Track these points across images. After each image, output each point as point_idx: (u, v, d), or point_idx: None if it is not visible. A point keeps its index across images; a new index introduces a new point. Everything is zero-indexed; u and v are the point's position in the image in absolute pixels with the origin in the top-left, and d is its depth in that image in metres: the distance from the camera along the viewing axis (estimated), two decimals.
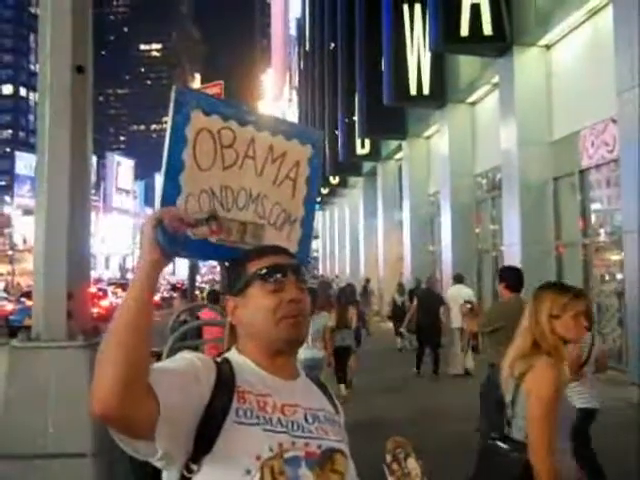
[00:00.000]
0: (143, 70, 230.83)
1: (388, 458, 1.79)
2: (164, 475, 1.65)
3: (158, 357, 4.39)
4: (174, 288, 35.36)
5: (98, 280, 56.07)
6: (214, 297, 9.33)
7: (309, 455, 1.65)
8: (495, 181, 17.46)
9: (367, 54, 23.85)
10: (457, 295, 12.97)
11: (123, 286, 41.13)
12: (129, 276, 76.78)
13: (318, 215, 50.24)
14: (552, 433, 2.82)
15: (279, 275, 1.78)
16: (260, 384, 1.71)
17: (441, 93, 19.11)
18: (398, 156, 25.86)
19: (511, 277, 7.06)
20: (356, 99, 25.45)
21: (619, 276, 11.99)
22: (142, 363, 1.50)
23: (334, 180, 35.45)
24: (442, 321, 13.63)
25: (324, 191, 38.10)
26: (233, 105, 2.23)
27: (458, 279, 14.18)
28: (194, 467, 1.59)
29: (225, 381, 1.65)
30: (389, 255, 26.68)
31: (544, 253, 14.33)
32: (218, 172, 2.14)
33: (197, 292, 30.87)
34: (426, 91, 19.12)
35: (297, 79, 65.31)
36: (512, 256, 14.79)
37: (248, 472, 1.58)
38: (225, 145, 2.14)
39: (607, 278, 12.92)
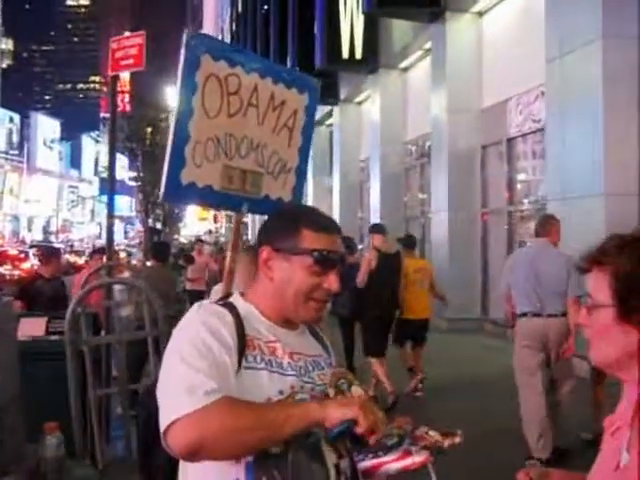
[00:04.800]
0: (70, 27, 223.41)
1: (331, 392, 1.76)
2: None
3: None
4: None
5: (21, 242, 54.60)
6: (161, 250, 8.94)
7: (314, 398, 1.72)
8: (425, 148, 17.53)
9: (300, 17, 23.56)
10: None
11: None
12: (52, 239, 75.00)
13: None
14: None
15: (331, 263, 1.78)
16: (268, 332, 1.76)
17: (373, 58, 19.01)
18: (329, 122, 25.75)
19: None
20: (288, 63, 25.13)
21: None
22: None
23: None
24: None
25: None
26: (240, 50, 2.39)
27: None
28: None
29: (238, 331, 1.69)
30: None
31: (470, 220, 14.49)
32: (224, 119, 2.25)
33: (124, 254, 30.51)
34: (358, 55, 18.99)
35: (229, 41, 64.24)
36: (439, 223, 14.92)
37: None
38: (231, 92, 2.26)
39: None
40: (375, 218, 19.24)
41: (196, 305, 1.77)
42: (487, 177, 14.55)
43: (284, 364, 1.73)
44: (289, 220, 1.83)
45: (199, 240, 18.26)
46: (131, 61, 6.39)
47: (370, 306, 7.99)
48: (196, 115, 2.16)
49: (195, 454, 1.55)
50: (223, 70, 2.23)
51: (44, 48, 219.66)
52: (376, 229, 8.60)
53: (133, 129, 38.32)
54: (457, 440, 1.67)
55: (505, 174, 13.76)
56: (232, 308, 1.76)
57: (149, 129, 39.59)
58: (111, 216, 6.53)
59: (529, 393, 5.83)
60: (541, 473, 1.70)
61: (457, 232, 14.33)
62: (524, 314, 5.89)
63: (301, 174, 2.52)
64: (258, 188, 2.30)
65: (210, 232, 63.82)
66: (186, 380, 1.57)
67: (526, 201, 13.41)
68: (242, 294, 1.84)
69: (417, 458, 1.63)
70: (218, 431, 1.53)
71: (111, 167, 6.80)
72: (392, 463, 1.63)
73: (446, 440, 1.65)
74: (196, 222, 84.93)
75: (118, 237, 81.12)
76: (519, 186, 13.80)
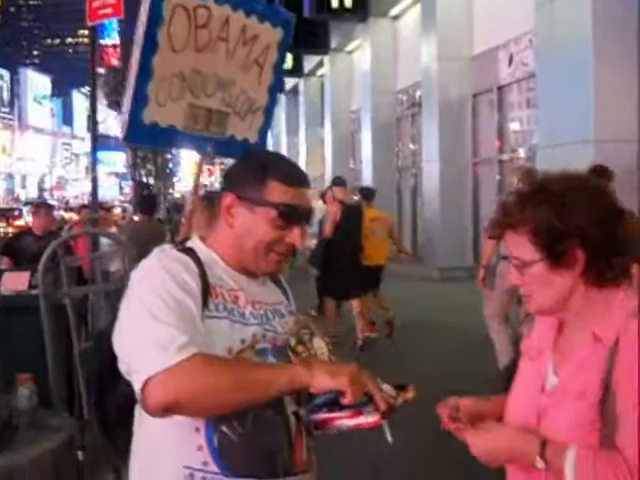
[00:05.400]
0: None
1: (292, 341, 1.74)
2: None
3: None
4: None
5: (15, 200, 54.42)
6: (148, 203, 8.89)
7: (276, 348, 1.71)
8: (415, 98, 17.37)
9: None
10: None
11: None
12: (47, 196, 74.73)
13: None
14: None
15: (296, 218, 1.74)
16: (230, 280, 1.73)
17: (363, 6, 18.67)
18: (320, 72, 25.44)
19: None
20: None
21: None
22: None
23: None
24: None
25: None
26: None
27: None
28: None
29: (201, 279, 1.65)
30: (311, 172, 26.50)
31: (461, 170, 14.44)
32: (191, 54, 2.16)
33: (119, 210, 30.34)
34: (348, 4, 18.65)
35: None
36: (431, 173, 14.86)
37: None
38: (199, 25, 2.15)
39: None
40: (367, 169, 19.16)
41: (157, 250, 1.72)
42: (478, 126, 14.45)
43: (246, 313, 1.69)
44: (256, 168, 1.75)
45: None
46: (109, 10, 6.22)
47: (336, 255, 8.32)
48: (161, 49, 2.07)
49: (170, 412, 1.53)
50: (192, 1, 2.13)
51: (31, 2, 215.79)
52: (338, 182, 8.92)
53: (120, 82, 37.83)
54: (409, 396, 1.65)
55: (496, 123, 13.65)
56: (193, 254, 1.71)
57: None
58: (94, 169, 6.49)
59: (499, 329, 6.51)
60: (457, 403, 1.73)
61: (448, 182, 14.28)
62: (505, 257, 5.93)
63: (269, 114, 2.40)
64: (223, 128, 2.18)
65: (205, 186, 63.58)
66: (156, 335, 1.52)
67: (517, 150, 13.33)
68: (202, 238, 1.78)
69: (370, 418, 1.61)
70: (196, 390, 1.51)
71: (93, 122, 6.75)
72: (344, 420, 1.62)
73: (399, 397, 1.64)
74: (190, 177, 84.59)
75: (114, 193, 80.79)
76: (510, 135, 13.71)
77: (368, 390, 1.59)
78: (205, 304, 1.62)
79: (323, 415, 1.64)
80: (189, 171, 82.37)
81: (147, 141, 2.06)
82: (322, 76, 25.25)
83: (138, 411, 1.67)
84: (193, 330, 1.55)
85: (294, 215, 1.72)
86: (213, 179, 67.07)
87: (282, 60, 2.47)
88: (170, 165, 54.77)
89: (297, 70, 26.80)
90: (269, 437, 1.63)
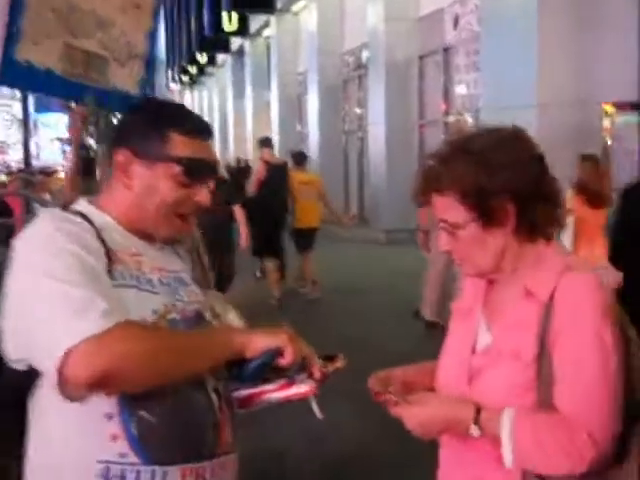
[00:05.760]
0: None
1: (208, 315, 1.60)
2: None
3: None
4: None
5: None
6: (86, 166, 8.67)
7: (186, 319, 1.53)
8: (362, 59, 17.24)
9: None
10: None
11: None
12: None
13: (187, 96, 48.63)
14: None
15: (203, 174, 1.57)
16: (129, 244, 1.54)
17: None
18: (267, 34, 25.04)
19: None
20: None
21: None
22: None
23: (202, 58, 34.15)
24: None
25: (192, 70, 36.75)
26: None
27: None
28: None
29: (101, 242, 1.47)
30: (258, 135, 26.24)
31: (407, 132, 14.43)
32: None
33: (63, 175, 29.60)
34: None
35: None
36: (377, 136, 14.82)
37: None
38: None
39: None
40: (314, 132, 19.03)
41: (43, 212, 1.56)
42: (424, 88, 14.42)
43: (153, 280, 1.52)
44: (154, 120, 1.56)
45: None
46: None
47: (261, 213, 8.55)
48: None
49: (100, 387, 1.32)
50: None
51: None
52: (264, 143, 9.34)
53: None
54: (339, 365, 1.57)
55: (442, 85, 13.64)
56: (85, 217, 1.50)
57: None
58: (27, 129, 6.29)
59: (435, 286, 7.05)
60: (387, 375, 1.68)
61: (394, 144, 14.27)
62: None
63: (150, 66, 2.23)
64: (105, 77, 2.02)
65: None
66: (70, 299, 1.32)
67: (463, 112, 13.36)
68: (90, 202, 1.57)
69: (302, 388, 1.51)
70: (134, 358, 1.33)
71: None
72: (274, 393, 1.52)
73: (329, 366, 1.55)
74: None
75: (57, 158, 78.74)
76: (456, 96, 13.73)
77: (303, 355, 1.50)
78: (109, 271, 1.43)
79: (250, 390, 1.53)
80: None
81: (22, 83, 1.88)
82: (268, 37, 24.87)
83: (35, 400, 1.47)
84: (110, 296, 1.37)
85: (200, 170, 1.56)
86: None
87: (159, 5, 2.36)
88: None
89: (242, 31, 26.37)
90: (193, 417, 1.47)
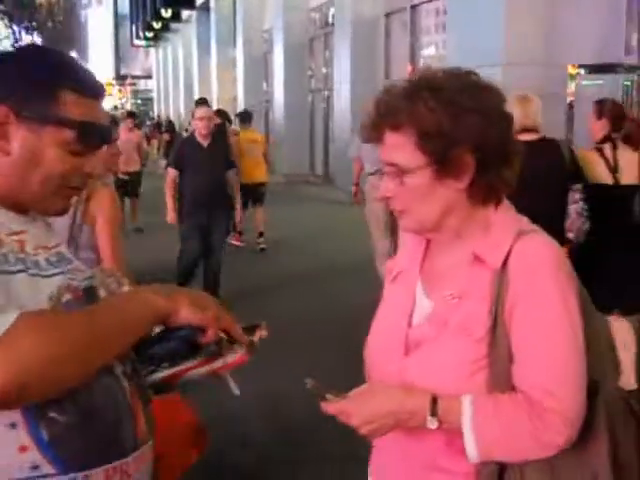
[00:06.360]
0: None
1: (102, 292, 1.41)
2: None
3: None
4: None
5: None
6: None
7: (78, 299, 1.30)
8: (329, 17, 16.89)
9: None
10: None
11: None
12: None
13: (151, 53, 47.60)
14: None
15: (99, 140, 1.35)
16: (7, 221, 1.29)
17: None
18: None
19: None
20: None
21: None
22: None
23: (166, 13, 33.31)
24: None
25: (156, 26, 35.84)
26: None
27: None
28: None
29: None
30: (223, 94, 25.80)
31: (374, 92, 14.14)
32: None
33: None
34: None
35: None
36: (342, 95, 14.59)
37: None
38: None
39: None
40: (279, 91, 18.72)
41: None
42: (390, 47, 14.19)
43: (40, 262, 1.29)
44: (41, 72, 1.30)
45: (130, 114, 13.75)
46: None
47: None
48: None
49: (14, 399, 1.10)
50: None
51: None
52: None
53: None
54: (264, 333, 1.41)
55: (408, 43, 13.41)
56: None
57: None
58: None
59: (379, 236, 7.10)
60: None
61: (360, 104, 14.03)
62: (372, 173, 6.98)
63: None
64: None
65: (116, 108, 61.25)
66: None
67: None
68: None
69: (229, 358, 1.36)
70: (46, 360, 1.11)
71: None
72: (197, 368, 1.36)
73: (255, 335, 1.39)
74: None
75: None
76: (423, 54, 13.52)
77: (225, 326, 1.34)
78: None
79: (167, 372, 1.37)
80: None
81: None
82: None
83: None
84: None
85: (96, 136, 1.34)
86: (125, 100, 64.48)
87: None
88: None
89: None
90: (108, 408, 1.27)
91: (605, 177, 4.19)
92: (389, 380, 1.41)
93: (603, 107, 4.47)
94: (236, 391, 1.40)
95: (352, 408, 1.35)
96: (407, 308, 1.46)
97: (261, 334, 1.42)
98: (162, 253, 8.01)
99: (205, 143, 6.92)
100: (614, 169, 4.19)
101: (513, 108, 4.22)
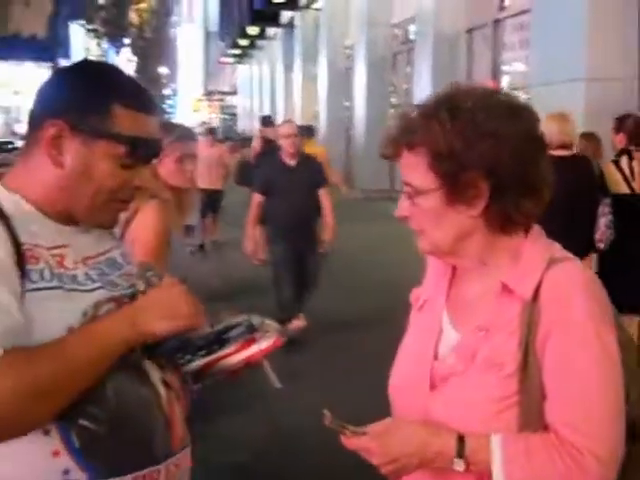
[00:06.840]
0: None
1: (141, 286, 1.43)
2: None
3: None
4: None
5: (12, 134, 54.08)
6: None
7: (121, 305, 1.35)
8: (410, 32, 16.91)
9: None
10: None
11: None
12: None
13: (237, 69, 48.56)
14: None
15: (150, 155, 1.41)
16: (51, 234, 1.33)
17: None
18: (317, 5, 24.77)
19: None
20: None
21: None
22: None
23: (252, 31, 33.99)
24: None
25: (242, 43, 36.60)
26: None
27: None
28: None
29: (12, 242, 1.24)
30: (306, 110, 26.12)
31: None
32: None
33: None
34: None
35: None
36: None
37: None
38: None
39: None
40: (360, 107, 18.80)
41: None
42: (473, 63, 14.08)
43: (79, 277, 1.31)
44: (95, 88, 1.33)
45: (211, 130, 13.71)
46: None
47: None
48: None
49: None
50: None
51: None
52: (266, 123, 10.22)
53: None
54: (301, 323, 1.47)
55: (490, 59, 13.30)
56: None
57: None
58: None
59: None
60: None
61: None
62: None
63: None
64: (3, 22, 1.67)
65: (204, 123, 62.37)
66: None
67: (510, 87, 13.02)
68: (7, 185, 1.34)
69: (264, 344, 1.36)
70: (19, 399, 1.15)
71: None
72: (232, 356, 1.36)
73: (292, 324, 1.45)
74: (190, 114, 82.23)
75: None
76: (505, 71, 13.38)
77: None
78: (24, 275, 1.22)
79: (203, 360, 1.37)
80: (190, 109, 78.85)
81: None
82: (319, 9, 24.60)
83: None
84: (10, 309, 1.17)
85: (147, 151, 1.38)
86: (214, 115, 65.62)
87: None
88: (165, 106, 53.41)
89: (293, 2, 26.15)
90: (140, 417, 1.31)
91: (622, 187, 4.53)
92: (413, 415, 1.35)
93: (622, 123, 4.85)
94: (277, 383, 1.40)
95: (374, 446, 1.28)
96: (433, 338, 1.40)
97: (298, 324, 1.46)
98: (237, 271, 8.11)
99: (293, 163, 6.37)
100: (630, 179, 4.53)
101: (549, 126, 4.39)
